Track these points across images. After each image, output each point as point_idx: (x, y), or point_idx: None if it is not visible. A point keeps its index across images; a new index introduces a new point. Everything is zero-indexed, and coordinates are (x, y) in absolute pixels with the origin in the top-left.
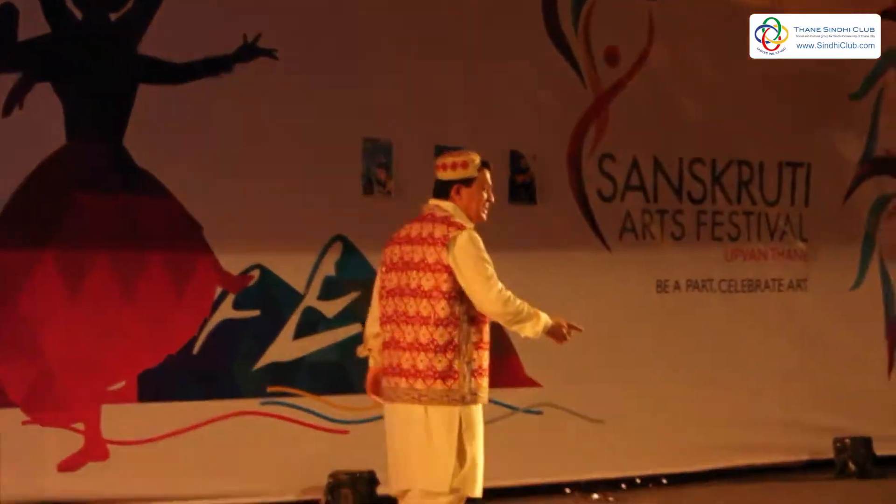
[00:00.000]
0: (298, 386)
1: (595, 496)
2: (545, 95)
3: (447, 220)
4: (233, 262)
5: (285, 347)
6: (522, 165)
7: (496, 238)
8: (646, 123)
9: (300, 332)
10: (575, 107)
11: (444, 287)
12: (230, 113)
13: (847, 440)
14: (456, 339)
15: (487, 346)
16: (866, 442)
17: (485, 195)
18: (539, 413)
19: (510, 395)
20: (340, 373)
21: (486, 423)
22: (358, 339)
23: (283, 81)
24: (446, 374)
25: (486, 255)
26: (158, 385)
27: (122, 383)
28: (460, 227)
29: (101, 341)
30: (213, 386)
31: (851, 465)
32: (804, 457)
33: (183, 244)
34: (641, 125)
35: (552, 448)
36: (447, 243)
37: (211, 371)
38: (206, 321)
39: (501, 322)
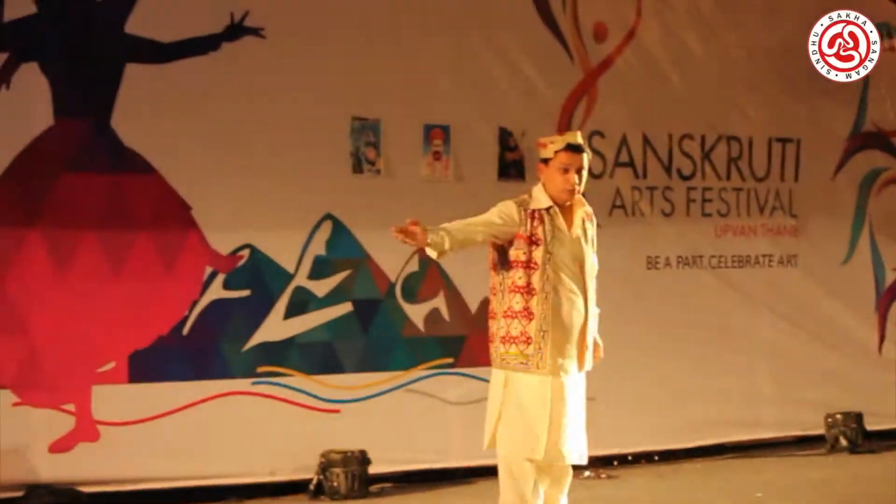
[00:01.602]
0: (289, 366)
1: (587, 473)
2: (534, 72)
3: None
4: (222, 242)
5: (276, 327)
6: (511, 143)
7: None
8: (634, 100)
9: (291, 312)
10: (564, 83)
11: (491, 260)
12: (218, 92)
13: (838, 415)
14: (495, 307)
15: (519, 314)
16: (857, 417)
17: (559, 177)
18: None
19: None
20: (331, 352)
21: (474, 401)
22: (348, 318)
23: (270, 60)
24: (491, 339)
25: (492, 216)
26: (149, 366)
27: (113, 364)
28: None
29: (91, 322)
30: (203, 366)
31: (843, 440)
32: (796, 432)
33: (172, 224)
34: (630, 101)
35: None
36: None
37: (201, 351)
38: (195, 301)
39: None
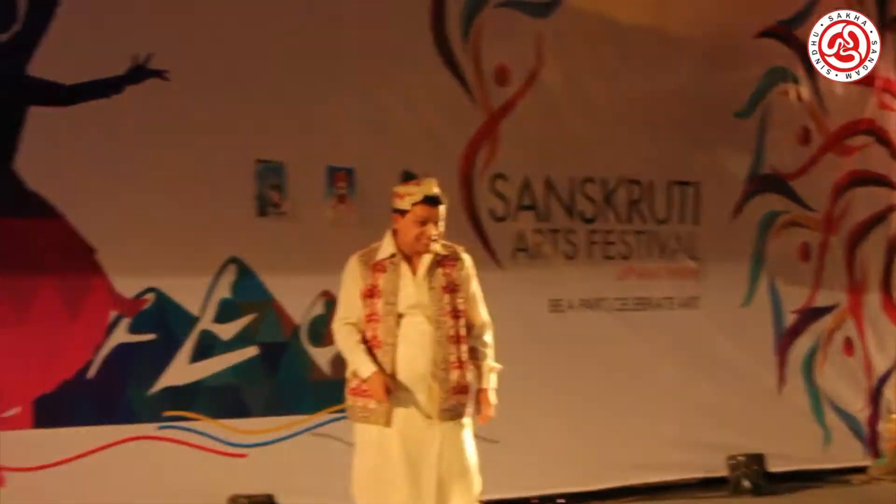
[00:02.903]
0: (195, 410)
1: None
2: (436, 116)
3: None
4: (127, 286)
5: (182, 371)
6: None
7: None
8: (537, 143)
9: (196, 356)
10: (466, 126)
11: None
12: (123, 135)
13: (740, 457)
14: None
15: None
16: (759, 458)
17: (416, 230)
18: None
19: None
20: (237, 396)
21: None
22: (254, 361)
23: (174, 102)
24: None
25: (349, 285)
26: (54, 410)
27: (17, 409)
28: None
29: None
30: (109, 411)
31: (745, 482)
32: (699, 474)
33: (76, 267)
34: (533, 145)
35: None
36: None
37: (107, 396)
38: (100, 345)
39: None
